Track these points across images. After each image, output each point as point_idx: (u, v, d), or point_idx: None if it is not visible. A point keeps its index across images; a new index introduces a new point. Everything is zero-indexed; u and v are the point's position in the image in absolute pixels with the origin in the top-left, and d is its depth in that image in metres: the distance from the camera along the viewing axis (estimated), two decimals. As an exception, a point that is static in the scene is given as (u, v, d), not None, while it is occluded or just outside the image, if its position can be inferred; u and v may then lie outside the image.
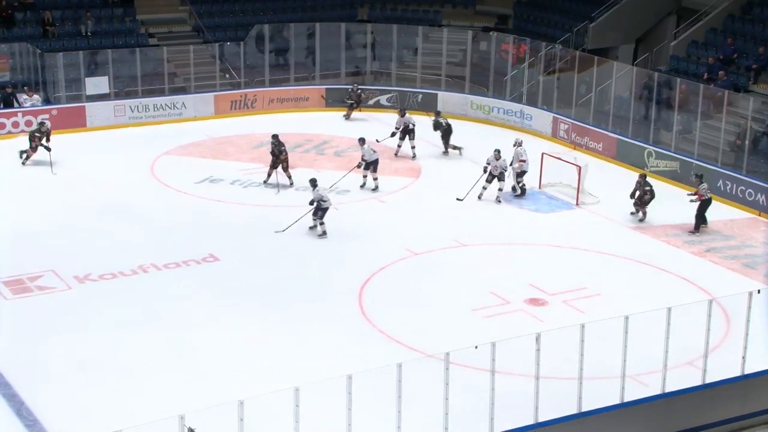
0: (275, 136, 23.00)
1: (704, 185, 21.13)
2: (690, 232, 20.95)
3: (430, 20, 33.48)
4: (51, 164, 23.59)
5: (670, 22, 31.40)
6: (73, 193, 22.32)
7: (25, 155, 24.04)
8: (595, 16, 31.00)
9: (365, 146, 22.87)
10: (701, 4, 29.94)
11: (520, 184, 22.72)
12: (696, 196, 21.02)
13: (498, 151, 22.16)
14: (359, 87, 29.22)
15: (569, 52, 28.51)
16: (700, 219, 21.08)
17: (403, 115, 25.51)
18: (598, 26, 30.92)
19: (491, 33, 31.05)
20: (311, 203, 20.16)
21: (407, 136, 25.30)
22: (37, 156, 23.96)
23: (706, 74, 27.07)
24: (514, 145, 22.97)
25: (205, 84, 29.45)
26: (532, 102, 28.52)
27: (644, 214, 21.60)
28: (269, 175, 22.96)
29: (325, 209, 20.07)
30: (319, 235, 20.05)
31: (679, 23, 30.81)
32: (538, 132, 27.79)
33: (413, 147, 25.25)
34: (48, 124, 24.49)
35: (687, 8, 30.65)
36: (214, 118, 28.00)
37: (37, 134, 23.95)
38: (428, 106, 29.07)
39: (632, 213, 21.72)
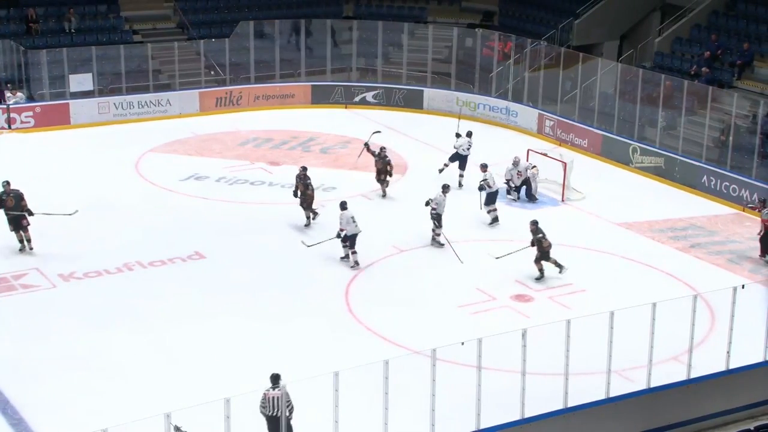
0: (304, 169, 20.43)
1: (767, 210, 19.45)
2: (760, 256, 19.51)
3: (416, 17, 33.46)
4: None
5: (654, 18, 31.49)
6: (57, 190, 22.18)
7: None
8: (580, 13, 31.05)
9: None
10: (685, 0, 30.04)
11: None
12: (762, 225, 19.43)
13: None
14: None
15: (554, 49, 28.56)
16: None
17: (428, 205, 19.81)
18: (582, 23, 30.96)
19: (477, 30, 31.07)
20: (338, 236, 18.39)
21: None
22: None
23: (693, 69, 27.10)
24: (515, 165, 22.22)
25: (190, 81, 29.35)
26: (517, 98, 28.53)
27: None
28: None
29: (354, 236, 18.39)
30: (351, 266, 18.48)
31: (663, 19, 30.90)
32: (523, 128, 27.84)
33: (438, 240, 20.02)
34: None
35: (671, 4, 30.73)
36: (199, 115, 27.90)
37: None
38: (413, 103, 29.18)
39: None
